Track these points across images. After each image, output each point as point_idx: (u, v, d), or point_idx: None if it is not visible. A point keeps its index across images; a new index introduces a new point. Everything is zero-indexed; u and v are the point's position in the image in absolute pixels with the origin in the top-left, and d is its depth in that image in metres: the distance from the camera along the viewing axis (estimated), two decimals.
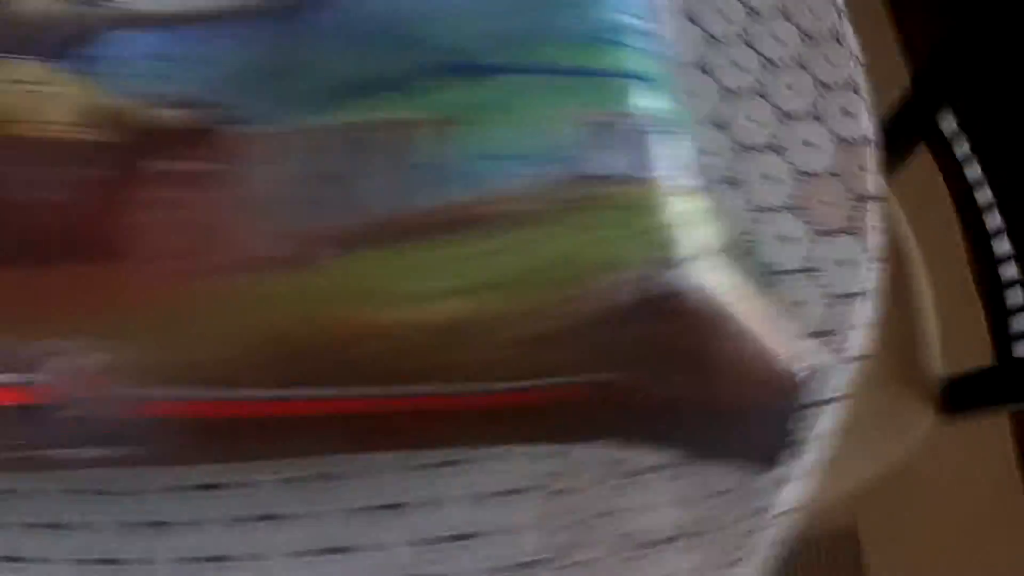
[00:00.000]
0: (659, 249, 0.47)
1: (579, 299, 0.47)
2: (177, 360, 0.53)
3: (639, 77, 0.50)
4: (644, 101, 0.49)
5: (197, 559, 0.62)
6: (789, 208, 0.69)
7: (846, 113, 0.72)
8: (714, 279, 0.48)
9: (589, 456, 0.59)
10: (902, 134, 1.16)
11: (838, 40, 0.73)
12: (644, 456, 0.58)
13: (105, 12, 0.54)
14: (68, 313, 0.52)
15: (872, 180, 0.70)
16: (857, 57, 0.73)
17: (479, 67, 0.50)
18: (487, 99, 0.50)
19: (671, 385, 0.49)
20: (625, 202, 0.48)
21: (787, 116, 0.72)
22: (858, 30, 0.75)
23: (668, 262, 0.47)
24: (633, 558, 0.58)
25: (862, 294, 0.67)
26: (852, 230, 0.69)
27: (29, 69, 0.52)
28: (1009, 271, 1.09)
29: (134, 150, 0.52)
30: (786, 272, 0.67)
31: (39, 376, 0.51)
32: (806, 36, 0.74)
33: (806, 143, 0.71)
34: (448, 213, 0.48)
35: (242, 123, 0.52)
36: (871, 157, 0.71)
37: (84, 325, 0.52)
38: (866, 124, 0.72)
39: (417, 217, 0.49)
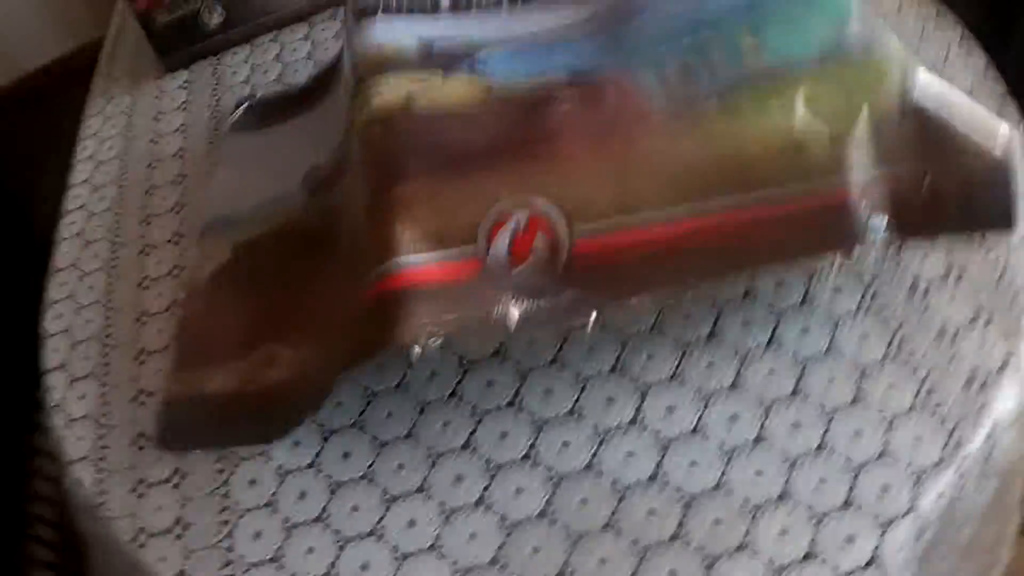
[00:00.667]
0: (904, 75, 0.77)
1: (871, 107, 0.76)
2: (608, 198, 0.79)
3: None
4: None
5: None
6: None
7: None
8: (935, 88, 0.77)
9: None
10: None
11: None
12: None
13: (475, 40, 0.90)
14: (516, 189, 0.80)
15: None
16: None
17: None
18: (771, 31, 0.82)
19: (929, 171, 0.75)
20: (878, 58, 0.78)
21: None
22: None
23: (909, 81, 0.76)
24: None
25: None
26: None
27: (427, 75, 0.88)
28: None
29: (525, 104, 0.84)
30: None
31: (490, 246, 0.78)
32: None
33: None
34: (774, 76, 0.80)
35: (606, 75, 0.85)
36: None
37: (530, 190, 0.79)
38: None
39: (755, 74, 0.80)
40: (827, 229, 0.75)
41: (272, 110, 1.21)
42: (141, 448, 0.88)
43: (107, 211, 1.20)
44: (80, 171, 1.30)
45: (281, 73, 1.30)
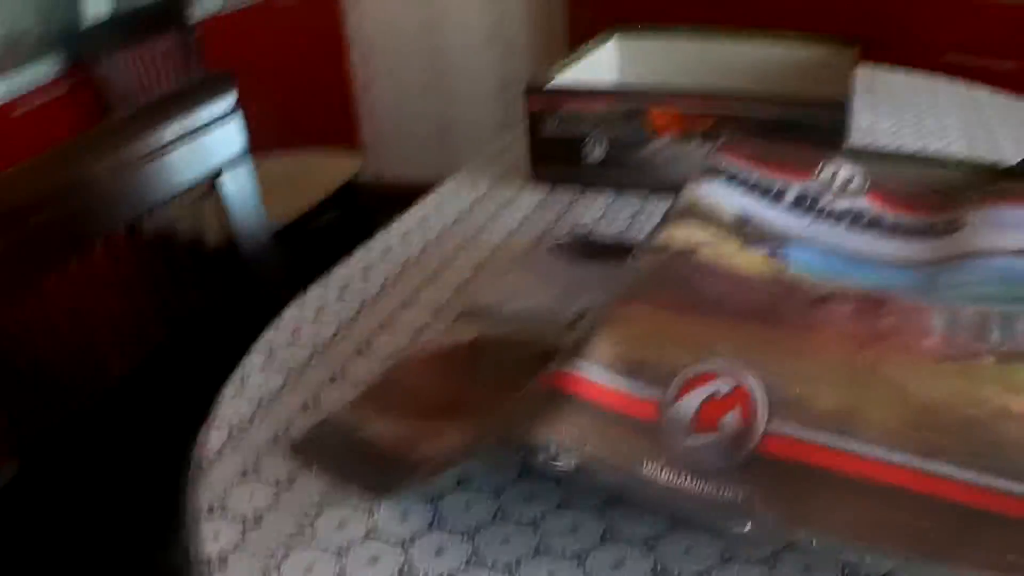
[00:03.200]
0: None
1: None
2: (827, 408, 0.68)
3: None
4: None
5: None
6: None
7: None
8: None
9: None
10: None
11: None
12: None
13: (795, 234, 0.90)
14: (736, 351, 0.72)
15: None
16: None
17: None
18: None
19: None
20: None
21: None
22: None
23: None
24: None
25: None
26: None
27: (730, 240, 0.87)
28: None
29: (806, 295, 0.80)
30: None
31: (680, 397, 0.70)
32: None
33: None
34: None
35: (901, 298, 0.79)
36: None
37: (749, 359, 0.71)
38: None
39: None
40: None
41: (592, 250, 1.21)
42: (275, 443, 0.86)
43: (401, 259, 1.22)
44: (403, 221, 1.34)
45: (625, 230, 1.29)
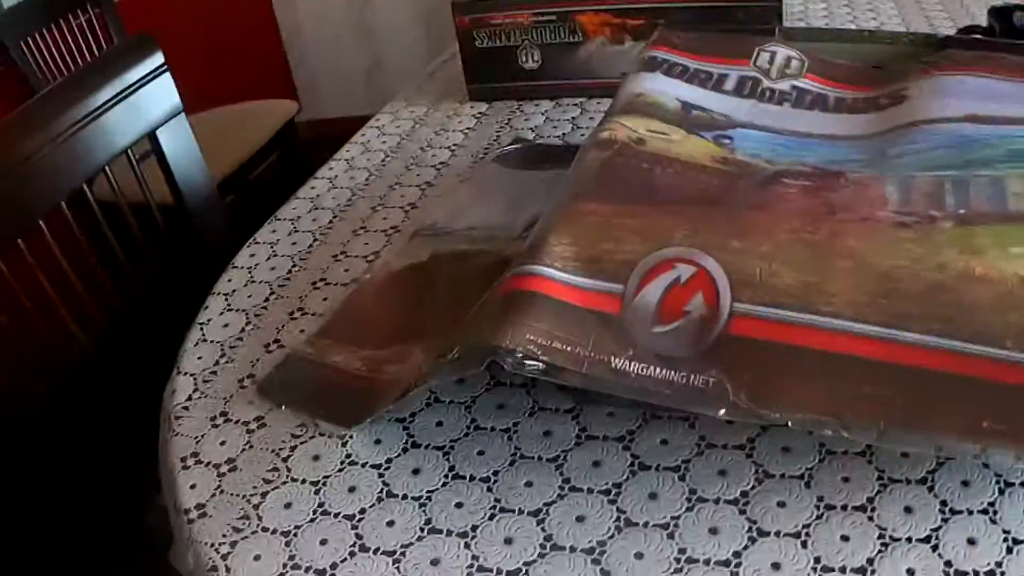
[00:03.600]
0: None
1: None
2: (790, 284, 0.68)
3: None
4: None
5: None
6: None
7: None
8: None
9: None
10: None
11: None
12: None
13: (739, 119, 0.90)
14: (694, 236, 0.72)
15: None
16: None
17: None
18: None
19: None
20: None
21: None
22: None
23: None
24: None
25: None
26: None
27: (675, 130, 0.86)
28: None
29: (756, 178, 0.80)
30: None
31: (642, 288, 0.69)
32: None
33: None
34: None
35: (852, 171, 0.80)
36: None
37: (708, 244, 0.71)
38: None
39: (1013, 215, 0.70)
40: None
41: (538, 156, 1.20)
42: (243, 387, 0.85)
43: (348, 188, 1.21)
44: (346, 150, 1.33)
45: (568, 133, 1.28)
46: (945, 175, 0.76)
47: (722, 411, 0.64)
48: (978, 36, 1.23)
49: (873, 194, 0.75)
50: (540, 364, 0.66)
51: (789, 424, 0.63)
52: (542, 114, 1.35)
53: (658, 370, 0.65)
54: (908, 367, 0.63)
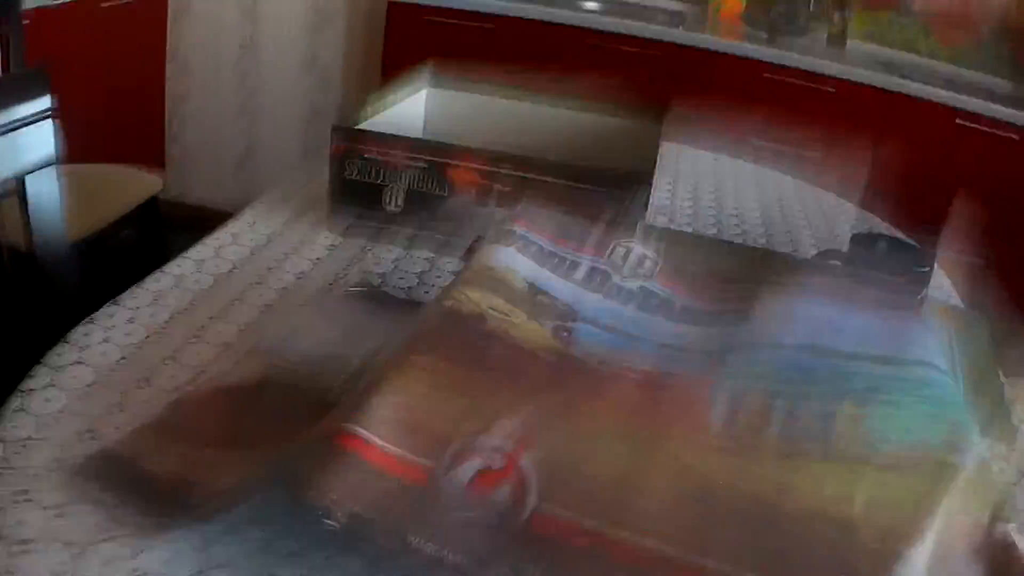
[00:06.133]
0: (996, 508, 0.69)
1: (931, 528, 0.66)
2: (602, 481, 0.71)
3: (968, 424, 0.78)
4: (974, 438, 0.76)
5: None
6: None
7: None
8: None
9: None
10: None
11: None
12: None
13: (582, 312, 0.94)
14: (524, 427, 0.75)
15: None
16: None
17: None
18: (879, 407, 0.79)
19: None
20: (971, 475, 0.70)
21: None
22: None
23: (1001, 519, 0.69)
24: None
25: None
26: None
27: (516, 312, 0.90)
28: None
29: (588, 371, 0.85)
30: None
31: (452, 468, 0.72)
32: None
33: None
34: (854, 454, 0.74)
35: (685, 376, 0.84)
36: None
37: (530, 437, 0.74)
38: None
39: (836, 452, 0.73)
40: None
41: (382, 301, 1.26)
42: (50, 470, 0.86)
43: (191, 291, 1.24)
44: (197, 250, 1.36)
45: (413, 288, 1.34)
46: (776, 399, 0.81)
47: None
48: (835, 263, 1.28)
49: (702, 400, 0.80)
50: (337, 524, 0.69)
51: None
52: (393, 261, 1.41)
53: (453, 554, 0.69)
54: None
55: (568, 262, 1.00)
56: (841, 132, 3.28)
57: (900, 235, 1.63)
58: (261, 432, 0.91)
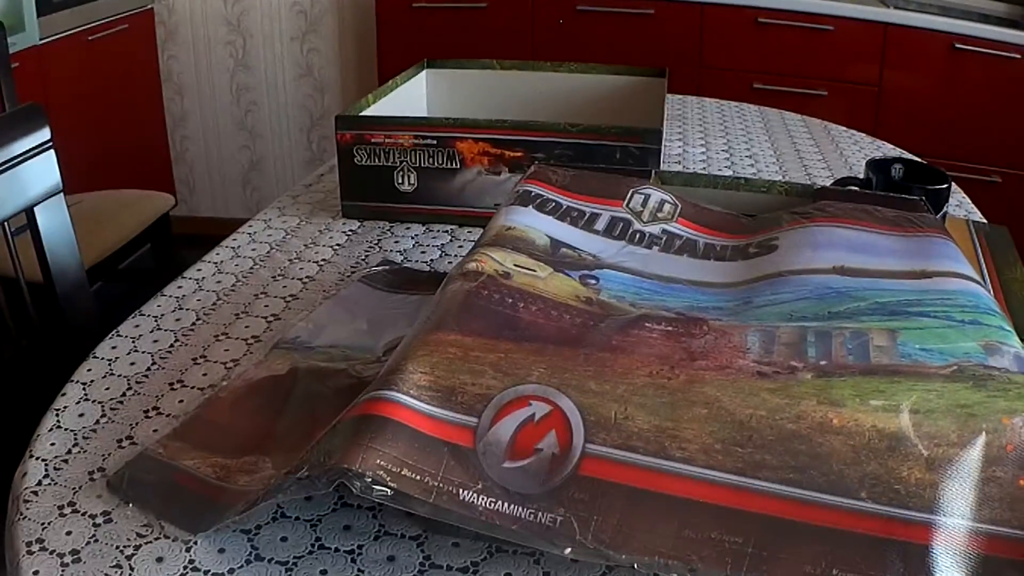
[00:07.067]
0: None
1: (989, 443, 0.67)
2: (643, 428, 0.70)
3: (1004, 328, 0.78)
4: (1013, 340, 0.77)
5: None
6: None
7: None
8: None
9: None
10: None
11: None
12: None
13: (607, 260, 0.94)
14: (551, 377, 0.74)
15: None
16: None
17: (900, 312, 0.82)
18: (914, 319, 0.80)
19: None
20: (1009, 381, 0.71)
21: None
22: None
23: None
24: None
25: None
26: None
27: (541, 267, 0.90)
28: None
29: (618, 320, 0.83)
30: None
31: (495, 423, 0.72)
32: None
33: None
34: (894, 367, 0.73)
35: (715, 318, 0.83)
36: None
37: (565, 384, 0.74)
38: None
39: (874, 368, 0.73)
40: (887, 566, 0.64)
41: (404, 280, 1.24)
42: (92, 479, 0.86)
43: (214, 292, 1.23)
44: (216, 253, 1.35)
45: (435, 260, 1.33)
46: (808, 326, 0.79)
47: (568, 550, 0.67)
48: (853, 188, 1.28)
49: (734, 342, 0.78)
50: (388, 490, 0.68)
51: (635, 566, 0.66)
52: (412, 238, 1.40)
53: (506, 505, 0.68)
54: (758, 514, 0.66)
55: (587, 215, 1.00)
56: (843, 70, 3.28)
57: (914, 157, 1.62)
58: (295, 423, 0.90)
